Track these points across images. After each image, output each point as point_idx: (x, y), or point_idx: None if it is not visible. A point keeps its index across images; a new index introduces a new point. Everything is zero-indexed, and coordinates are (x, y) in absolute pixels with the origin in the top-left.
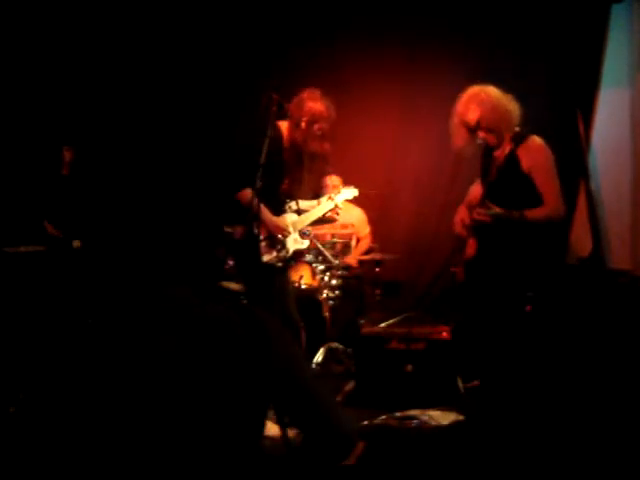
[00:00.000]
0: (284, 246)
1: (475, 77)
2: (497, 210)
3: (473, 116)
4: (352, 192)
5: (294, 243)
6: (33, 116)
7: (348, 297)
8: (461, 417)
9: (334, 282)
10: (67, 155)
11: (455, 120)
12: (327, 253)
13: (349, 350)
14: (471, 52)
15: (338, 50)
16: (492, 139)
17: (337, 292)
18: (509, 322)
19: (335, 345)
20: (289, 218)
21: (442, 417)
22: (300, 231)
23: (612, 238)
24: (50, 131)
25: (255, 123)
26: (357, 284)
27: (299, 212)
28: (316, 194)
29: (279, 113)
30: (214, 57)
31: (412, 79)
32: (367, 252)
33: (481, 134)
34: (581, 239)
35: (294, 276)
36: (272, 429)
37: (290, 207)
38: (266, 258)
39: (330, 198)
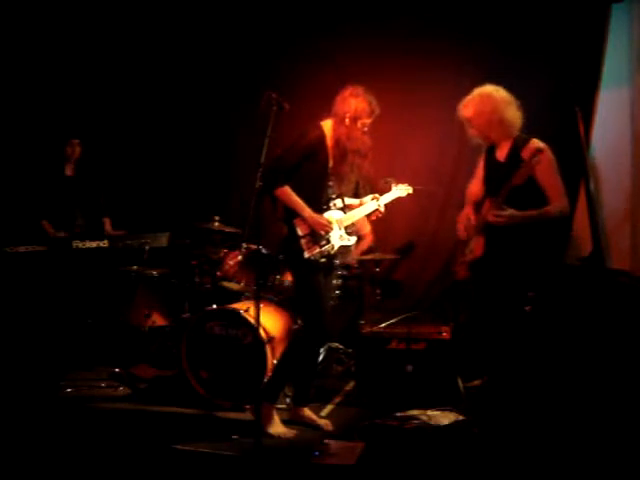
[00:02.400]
0: (329, 242)
1: (475, 77)
2: (514, 212)
3: (467, 114)
4: (406, 189)
5: (340, 239)
6: (35, 115)
7: (348, 297)
8: (461, 417)
9: (334, 282)
10: (77, 150)
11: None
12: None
13: (349, 350)
14: (471, 52)
15: (338, 50)
16: (482, 138)
17: (337, 292)
18: (510, 322)
19: (335, 345)
20: (334, 215)
21: (442, 417)
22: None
23: (612, 238)
24: (52, 131)
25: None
26: (357, 284)
27: (344, 209)
28: (356, 192)
29: (279, 112)
30: (215, 57)
31: (412, 79)
32: (367, 252)
33: (471, 131)
34: (581, 239)
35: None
36: (274, 428)
37: (335, 204)
38: (308, 254)
39: (375, 197)
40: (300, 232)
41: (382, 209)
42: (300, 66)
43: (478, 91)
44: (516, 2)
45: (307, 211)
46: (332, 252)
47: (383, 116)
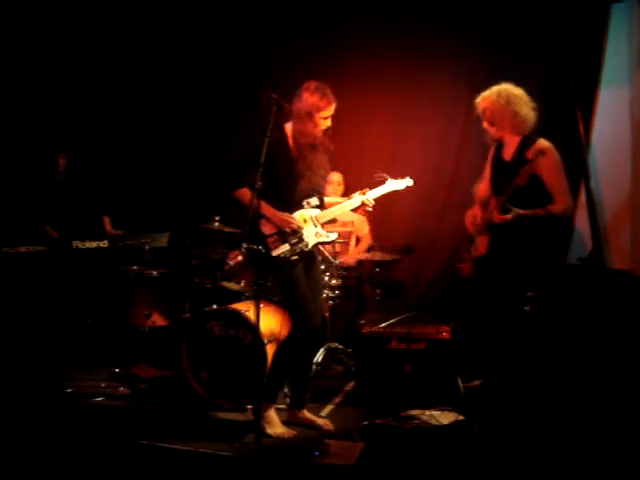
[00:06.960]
0: (301, 240)
1: (475, 77)
2: (520, 211)
3: (483, 104)
4: (405, 182)
5: (316, 237)
6: (30, 124)
7: (348, 297)
8: (461, 417)
9: (334, 282)
10: (62, 162)
11: None
12: (326, 253)
13: (349, 350)
14: (471, 51)
15: (338, 49)
16: (491, 132)
17: (337, 292)
18: (510, 321)
19: (335, 345)
20: (309, 213)
21: (442, 417)
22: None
23: (612, 238)
24: (46, 139)
25: (253, 123)
26: (357, 284)
27: (321, 207)
28: (316, 189)
29: (278, 112)
30: (214, 57)
31: (412, 79)
32: (367, 252)
33: (484, 124)
34: (581, 239)
35: None
36: (274, 428)
37: (309, 202)
38: (276, 252)
39: (362, 192)
40: (266, 232)
41: (371, 202)
42: (300, 65)
43: (498, 86)
44: (516, 2)
45: (270, 210)
46: (306, 249)
47: (383, 116)
